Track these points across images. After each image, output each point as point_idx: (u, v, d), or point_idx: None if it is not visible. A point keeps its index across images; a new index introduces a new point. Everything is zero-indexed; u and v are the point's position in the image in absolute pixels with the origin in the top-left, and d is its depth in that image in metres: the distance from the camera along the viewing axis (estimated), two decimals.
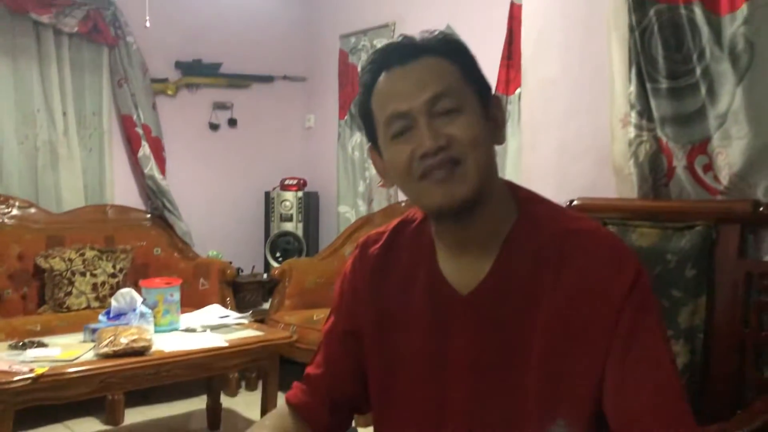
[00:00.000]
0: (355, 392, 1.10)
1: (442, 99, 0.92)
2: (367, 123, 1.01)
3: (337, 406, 1.11)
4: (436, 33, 0.97)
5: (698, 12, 1.66)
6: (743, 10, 1.56)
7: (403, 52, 0.96)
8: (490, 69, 3.57)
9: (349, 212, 4.62)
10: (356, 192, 4.57)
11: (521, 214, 0.98)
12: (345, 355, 1.10)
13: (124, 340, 2.45)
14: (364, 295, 1.08)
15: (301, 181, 4.79)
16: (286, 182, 4.78)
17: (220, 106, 4.81)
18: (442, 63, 0.95)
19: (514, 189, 1.02)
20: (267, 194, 4.78)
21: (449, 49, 0.96)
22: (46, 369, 2.27)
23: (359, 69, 1.01)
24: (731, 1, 1.60)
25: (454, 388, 0.98)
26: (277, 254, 4.62)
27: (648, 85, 1.76)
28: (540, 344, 0.92)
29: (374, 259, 1.08)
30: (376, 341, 1.06)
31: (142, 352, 2.48)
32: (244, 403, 3.57)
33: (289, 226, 4.67)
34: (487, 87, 0.99)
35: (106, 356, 2.42)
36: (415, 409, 1.02)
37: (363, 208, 4.51)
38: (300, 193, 4.70)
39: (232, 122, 4.86)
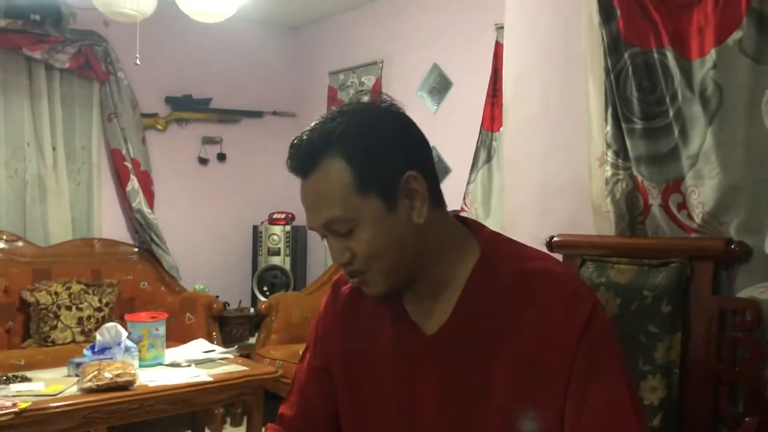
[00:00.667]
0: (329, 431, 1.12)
1: (333, 224, 0.95)
2: None
3: None
4: (341, 123, 0.94)
5: (670, 56, 1.72)
6: (712, 55, 1.62)
7: (300, 162, 0.96)
8: (476, 106, 3.65)
9: None
10: None
11: (482, 256, 1.00)
12: (318, 393, 1.12)
13: (108, 375, 2.44)
14: (335, 333, 1.11)
15: (289, 215, 4.83)
16: (274, 216, 4.81)
17: (209, 140, 4.87)
18: (335, 173, 0.93)
19: (477, 230, 1.04)
20: (255, 228, 4.81)
21: (347, 149, 0.93)
22: (29, 404, 2.26)
23: None
24: (700, 46, 1.66)
25: (424, 428, 1.00)
26: (265, 288, 4.63)
27: (623, 126, 1.81)
28: (502, 384, 0.94)
29: (345, 299, 1.12)
30: (346, 381, 1.09)
31: (126, 386, 2.47)
32: None
33: (276, 260, 4.69)
34: (394, 173, 0.95)
35: (90, 391, 2.41)
36: None
37: None
38: (288, 227, 4.73)
39: (222, 157, 4.91)
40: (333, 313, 1.13)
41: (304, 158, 0.95)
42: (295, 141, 0.97)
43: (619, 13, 1.82)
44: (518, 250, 1.02)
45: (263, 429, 1.19)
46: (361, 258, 0.95)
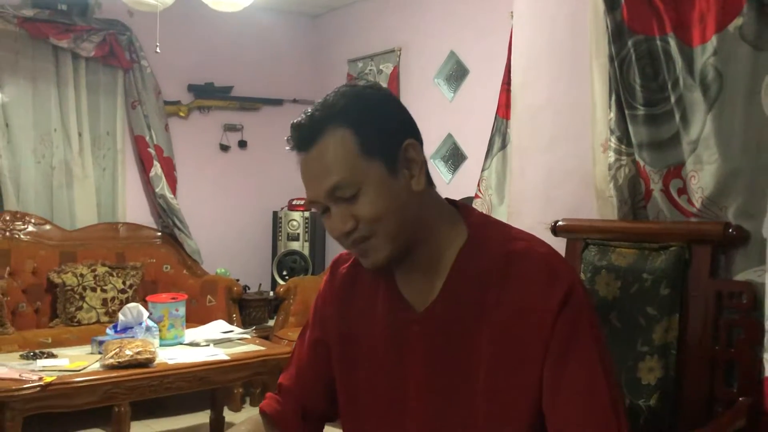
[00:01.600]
0: (325, 402, 1.18)
1: (338, 189, 0.97)
2: None
3: (309, 415, 1.18)
4: (333, 101, 1.00)
5: (672, 43, 1.74)
6: (713, 42, 1.65)
7: (303, 137, 1.00)
8: (492, 94, 3.67)
9: None
10: None
11: (469, 238, 1.05)
12: (316, 363, 1.17)
13: (128, 352, 2.55)
14: (333, 309, 1.16)
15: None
16: (294, 202, 4.89)
17: (230, 128, 4.95)
18: (340, 139, 0.97)
19: (467, 213, 1.08)
20: (275, 214, 4.89)
21: (350, 119, 0.98)
22: (54, 378, 2.37)
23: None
24: (702, 33, 1.68)
25: (412, 404, 1.05)
26: (284, 272, 4.72)
27: (626, 112, 1.84)
28: (485, 361, 0.99)
29: (342, 277, 1.17)
30: (341, 355, 1.14)
31: (146, 364, 2.57)
32: None
33: (295, 245, 4.77)
34: (395, 141, 1.00)
35: (112, 367, 2.52)
36: (378, 424, 1.09)
37: None
38: (307, 213, 4.81)
39: (242, 144, 4.99)
40: (331, 291, 1.18)
41: (307, 131, 0.99)
42: (295, 121, 1.02)
43: (623, 1, 1.85)
44: (504, 232, 1.06)
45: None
46: (367, 221, 0.98)
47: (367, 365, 1.10)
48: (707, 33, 1.67)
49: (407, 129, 1.03)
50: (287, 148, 1.03)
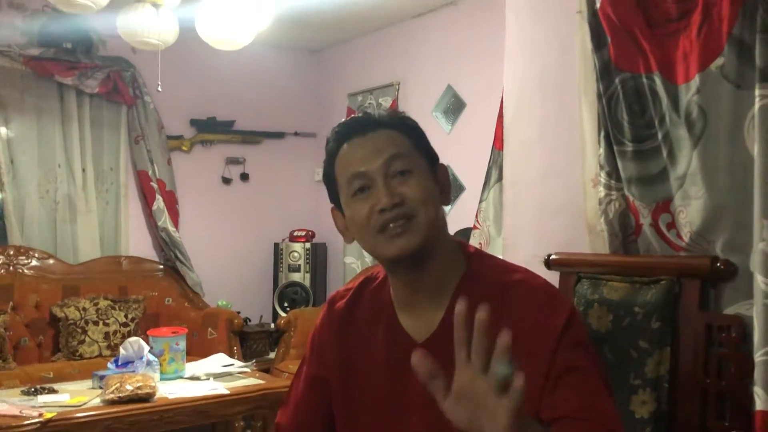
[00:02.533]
0: None
1: (396, 161, 1.06)
2: (330, 186, 1.15)
3: None
4: (391, 111, 1.14)
5: (658, 81, 1.79)
6: (696, 80, 1.69)
7: (362, 124, 1.11)
8: (489, 126, 3.72)
9: (355, 263, 4.74)
10: None
11: (468, 269, 1.10)
12: (314, 400, 1.20)
13: (129, 387, 2.56)
14: (330, 345, 1.19)
15: (309, 233, 4.94)
16: (295, 233, 4.93)
17: (232, 161, 5.02)
18: (396, 134, 1.10)
19: (463, 247, 1.15)
20: (276, 245, 4.93)
21: (403, 125, 1.11)
22: (54, 414, 2.39)
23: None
24: (686, 72, 1.72)
25: (414, 426, 1.08)
26: (285, 304, 4.74)
27: (615, 148, 1.88)
28: None
29: (340, 312, 1.20)
30: (342, 388, 1.17)
31: (146, 398, 2.59)
32: None
33: (296, 277, 4.80)
34: (435, 156, 1.14)
35: (112, 402, 2.53)
36: None
37: (368, 259, 4.63)
38: (308, 244, 4.84)
39: (244, 176, 5.05)
40: (329, 326, 1.21)
41: (366, 122, 1.11)
42: (347, 119, 1.15)
43: (609, 39, 1.89)
44: (500, 264, 1.13)
45: None
46: (414, 201, 1.05)
47: (369, 394, 1.13)
48: (690, 72, 1.72)
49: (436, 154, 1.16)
50: (332, 138, 1.13)
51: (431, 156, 1.14)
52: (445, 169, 1.16)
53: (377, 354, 1.14)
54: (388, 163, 1.06)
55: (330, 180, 1.15)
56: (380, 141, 1.09)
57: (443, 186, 1.13)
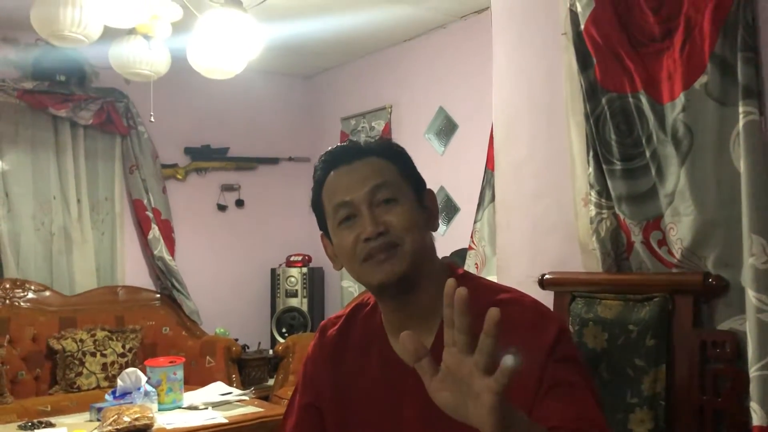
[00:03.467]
0: None
1: (381, 189, 1.08)
2: (319, 214, 1.17)
3: None
4: (378, 139, 1.16)
5: (644, 100, 1.81)
6: (681, 99, 1.71)
7: (349, 153, 1.13)
8: (481, 146, 3.75)
9: (352, 287, 4.74)
10: None
11: None
12: (308, 429, 1.21)
13: (126, 419, 2.55)
14: (323, 374, 1.20)
15: (306, 257, 4.94)
16: (292, 258, 4.93)
17: (227, 188, 5.03)
18: (382, 162, 1.11)
19: (453, 269, 1.16)
20: (273, 271, 4.92)
21: (389, 152, 1.13)
22: None
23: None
24: (670, 91, 1.75)
25: None
26: (283, 329, 4.73)
27: (604, 167, 1.89)
28: None
29: (332, 339, 1.21)
30: (336, 416, 1.17)
31: (144, 430, 2.57)
32: None
33: (294, 302, 4.79)
34: (422, 183, 1.15)
35: None
36: None
37: None
38: (305, 269, 4.84)
39: (240, 203, 5.06)
40: (321, 354, 1.22)
41: (353, 151, 1.12)
42: (335, 147, 1.16)
43: (595, 60, 1.92)
44: (488, 285, 1.14)
45: None
46: (398, 229, 1.07)
47: (364, 420, 1.14)
48: (675, 90, 1.74)
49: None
50: (320, 166, 1.14)
51: (418, 182, 1.15)
52: (432, 194, 1.17)
53: (371, 380, 1.14)
54: (372, 191, 1.08)
55: (318, 208, 1.17)
56: (366, 169, 1.10)
57: (430, 211, 1.15)
